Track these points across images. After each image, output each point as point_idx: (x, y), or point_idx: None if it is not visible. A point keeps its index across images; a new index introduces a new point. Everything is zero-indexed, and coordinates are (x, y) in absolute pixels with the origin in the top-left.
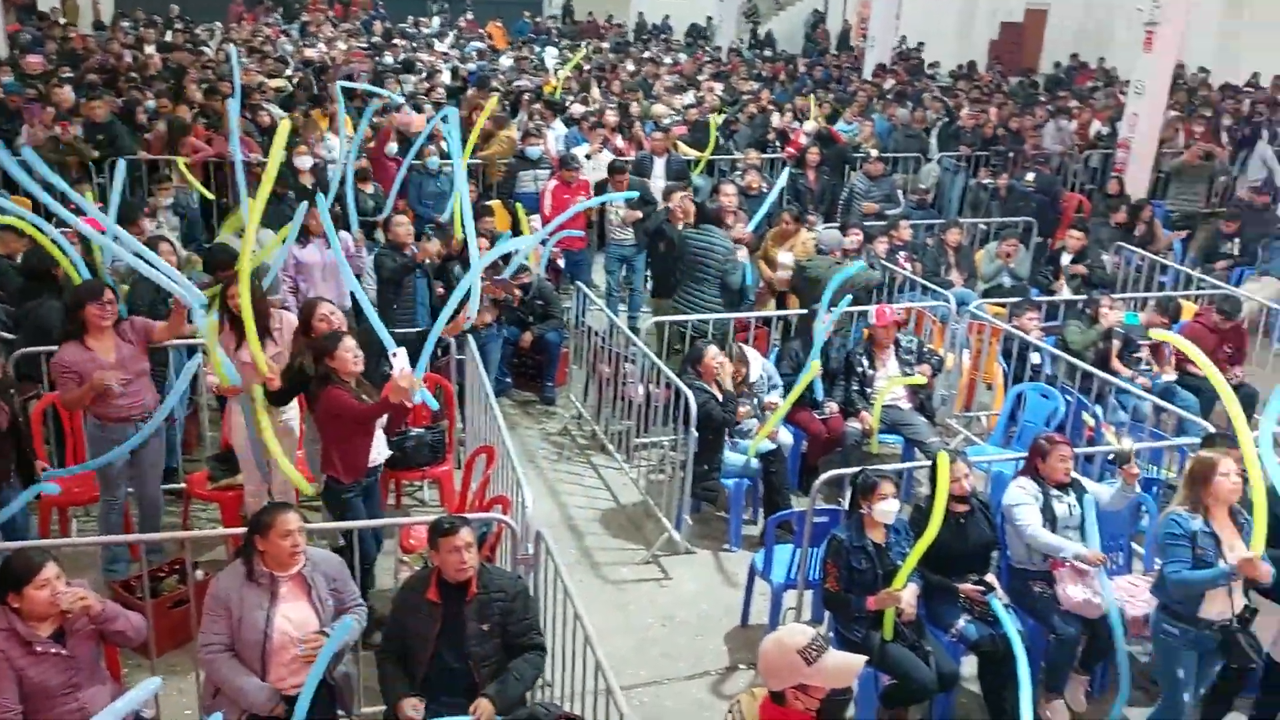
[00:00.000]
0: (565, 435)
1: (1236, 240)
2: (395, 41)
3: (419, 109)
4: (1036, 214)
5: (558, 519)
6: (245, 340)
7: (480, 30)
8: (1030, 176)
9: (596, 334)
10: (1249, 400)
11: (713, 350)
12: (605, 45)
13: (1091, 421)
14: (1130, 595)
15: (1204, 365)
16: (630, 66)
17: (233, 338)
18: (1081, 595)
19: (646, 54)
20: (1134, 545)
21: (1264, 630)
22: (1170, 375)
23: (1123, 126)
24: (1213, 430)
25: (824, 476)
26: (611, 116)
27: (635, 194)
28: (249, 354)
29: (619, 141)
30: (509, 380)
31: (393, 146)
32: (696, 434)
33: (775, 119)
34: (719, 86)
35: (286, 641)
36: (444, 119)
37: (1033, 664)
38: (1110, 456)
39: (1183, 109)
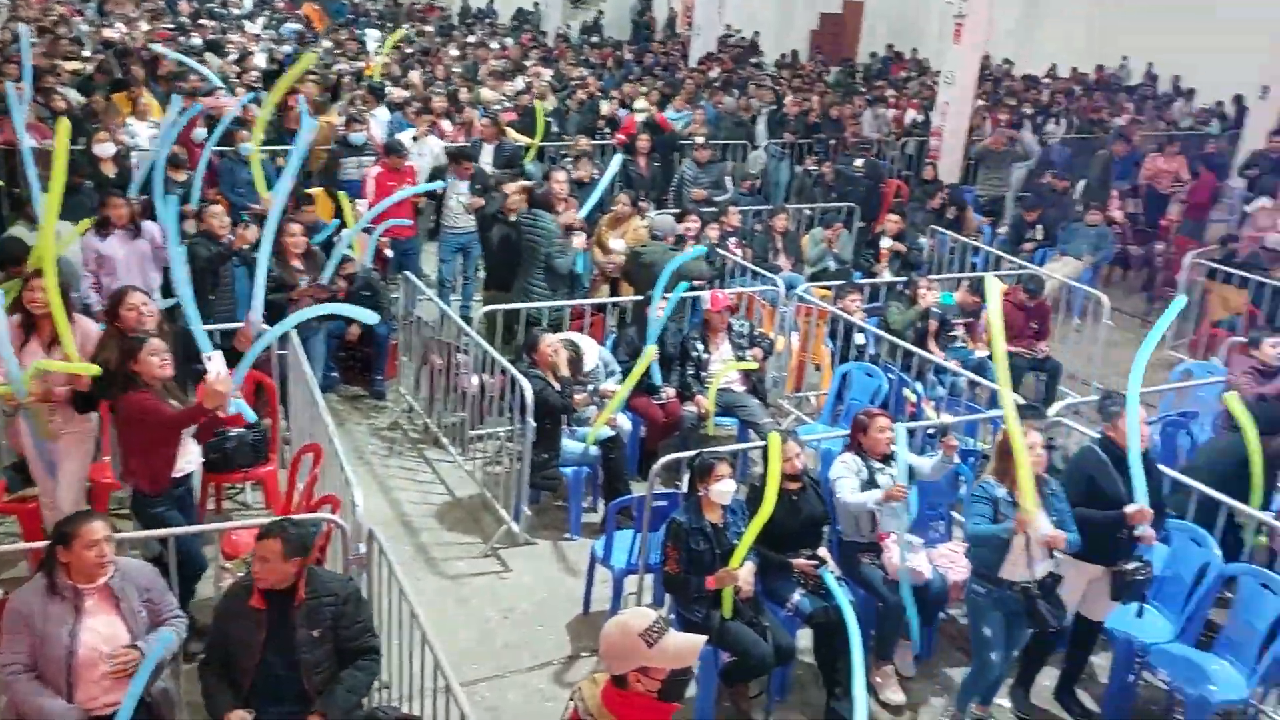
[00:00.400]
0: (396, 430)
1: (1040, 225)
2: (203, 22)
3: (232, 93)
4: (864, 199)
5: (391, 516)
6: (30, 341)
7: (296, 11)
8: (859, 162)
9: (427, 325)
10: (1054, 372)
11: (549, 338)
12: (429, 28)
13: (913, 397)
14: (951, 562)
15: (996, 349)
16: (454, 51)
17: (20, 336)
18: (909, 563)
19: (471, 38)
20: (954, 514)
21: (1077, 589)
22: (983, 351)
23: (935, 115)
24: (1022, 402)
25: (662, 460)
26: (440, 102)
27: (439, 185)
28: (34, 359)
29: (446, 126)
30: (336, 375)
31: (201, 131)
32: (534, 423)
33: (604, 106)
34: (547, 72)
35: (95, 658)
36: (256, 102)
37: (864, 633)
38: (931, 430)
39: (989, 98)
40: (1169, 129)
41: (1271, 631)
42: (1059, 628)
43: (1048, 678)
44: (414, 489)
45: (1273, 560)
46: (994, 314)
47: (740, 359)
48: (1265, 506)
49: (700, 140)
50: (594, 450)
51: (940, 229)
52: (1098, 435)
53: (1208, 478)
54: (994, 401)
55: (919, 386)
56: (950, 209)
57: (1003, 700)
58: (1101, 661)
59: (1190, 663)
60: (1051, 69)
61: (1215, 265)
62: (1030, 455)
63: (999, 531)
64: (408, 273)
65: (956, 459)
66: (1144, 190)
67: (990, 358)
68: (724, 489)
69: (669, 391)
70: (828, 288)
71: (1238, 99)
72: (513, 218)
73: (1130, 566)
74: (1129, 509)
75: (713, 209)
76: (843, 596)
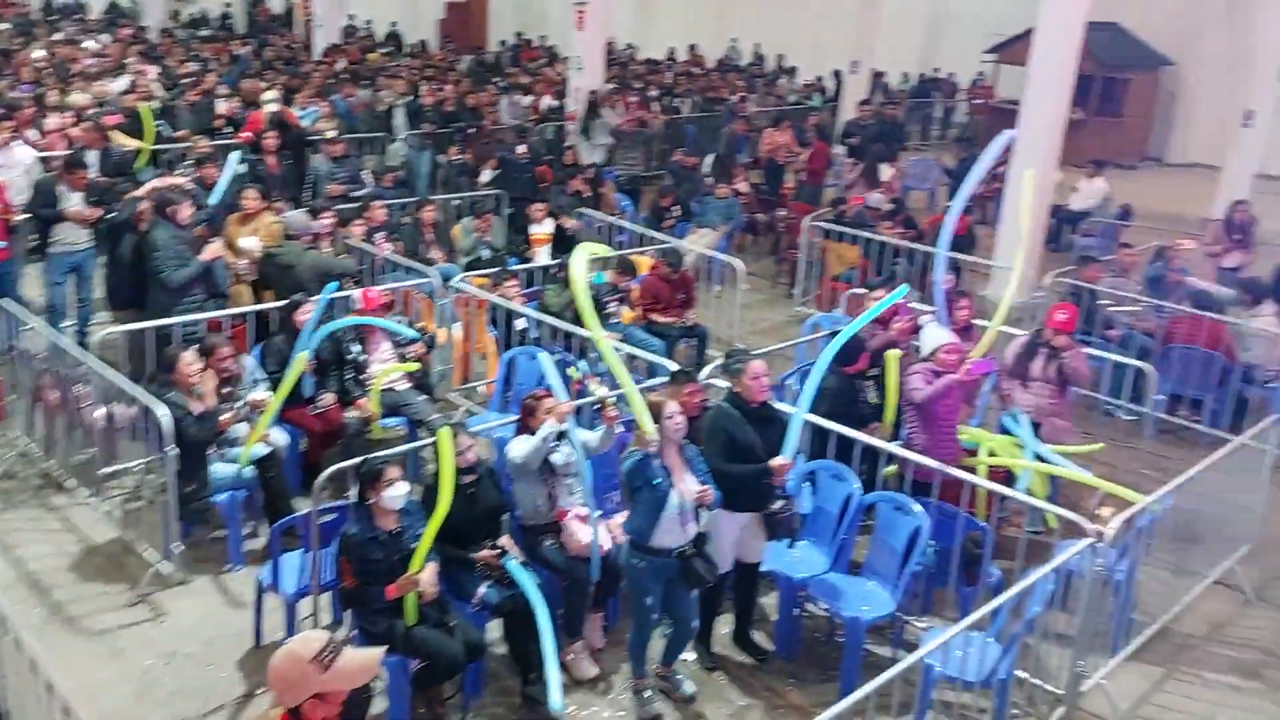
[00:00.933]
0: (10, 479)
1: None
2: None
3: None
4: (529, 185)
5: (14, 578)
6: None
7: None
8: (522, 149)
9: (36, 357)
10: (702, 338)
11: (187, 356)
12: (4, 26)
13: (577, 375)
14: None
15: (590, 325)
16: (40, 51)
17: None
18: (587, 537)
19: (58, 36)
20: None
21: (731, 539)
22: (628, 319)
23: (569, 100)
24: (676, 368)
25: (326, 472)
26: (29, 109)
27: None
28: None
29: (32, 134)
30: None
31: None
32: (175, 451)
33: (221, 104)
34: (153, 70)
35: None
36: None
37: (553, 612)
38: (596, 405)
39: (617, 82)
40: (779, 104)
41: (907, 549)
42: (716, 580)
43: (727, 625)
44: (40, 543)
45: (902, 485)
46: (577, 279)
47: (401, 357)
48: (895, 437)
49: (332, 134)
50: (249, 471)
51: (586, 210)
52: (725, 393)
53: (828, 412)
54: (652, 371)
55: (583, 364)
56: (590, 189)
57: (688, 654)
58: (771, 601)
59: (844, 588)
60: (670, 53)
61: (829, 226)
62: (671, 424)
63: (646, 459)
64: (6, 300)
65: (620, 428)
66: (765, 162)
67: (645, 328)
68: (395, 493)
69: (327, 398)
70: (484, 276)
71: (836, 74)
72: (143, 227)
73: (777, 506)
74: (774, 462)
75: (354, 204)
76: (528, 582)
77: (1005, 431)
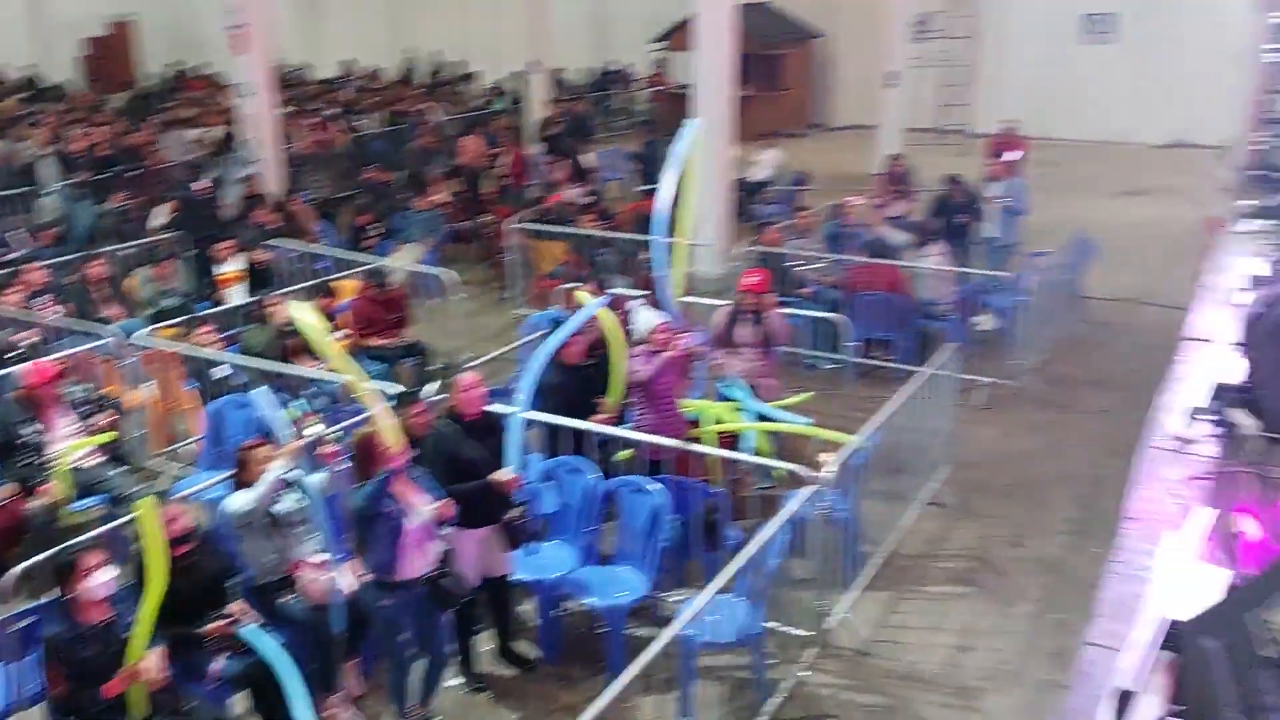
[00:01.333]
0: None
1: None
2: None
3: None
4: (213, 223)
5: None
6: None
7: None
8: (204, 184)
9: None
10: (423, 354)
11: None
12: None
13: (297, 414)
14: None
15: (325, 351)
16: None
17: None
18: (326, 584)
19: None
20: None
21: (472, 555)
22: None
23: (245, 129)
24: (400, 390)
25: (12, 573)
26: None
27: None
28: None
29: None
30: None
31: None
32: None
33: None
34: None
35: None
36: None
37: (304, 669)
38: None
39: (294, 104)
40: (465, 112)
41: (651, 528)
42: (469, 596)
43: (490, 643)
44: None
45: (637, 466)
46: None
47: (88, 428)
48: (623, 421)
49: None
50: None
51: (280, 242)
52: (443, 410)
53: (556, 409)
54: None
55: (300, 402)
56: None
57: (454, 680)
58: (530, 607)
59: (597, 579)
60: (349, 66)
61: (531, 226)
62: (400, 441)
63: (376, 486)
64: None
65: (344, 464)
66: (465, 170)
67: (366, 354)
68: (98, 581)
69: (5, 489)
70: (174, 326)
71: (520, 75)
72: None
73: (512, 514)
74: (500, 476)
75: (5, 270)
76: (267, 645)
77: (724, 399)
